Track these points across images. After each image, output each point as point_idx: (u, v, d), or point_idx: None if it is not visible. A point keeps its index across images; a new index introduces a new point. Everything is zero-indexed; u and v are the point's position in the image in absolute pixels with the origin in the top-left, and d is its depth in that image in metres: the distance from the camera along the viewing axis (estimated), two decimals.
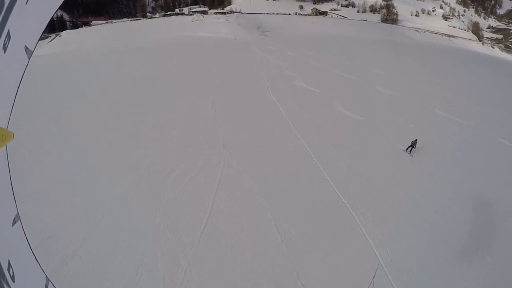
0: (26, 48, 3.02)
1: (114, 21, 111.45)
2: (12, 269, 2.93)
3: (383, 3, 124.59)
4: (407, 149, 19.25)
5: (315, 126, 22.10)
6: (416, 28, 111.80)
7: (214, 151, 18.28)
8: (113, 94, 28.53)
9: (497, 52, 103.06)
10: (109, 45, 69.29)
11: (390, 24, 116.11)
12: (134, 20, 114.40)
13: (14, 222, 3.15)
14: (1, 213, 2.92)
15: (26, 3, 2.83)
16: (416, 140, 19.16)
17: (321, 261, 10.99)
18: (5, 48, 2.67)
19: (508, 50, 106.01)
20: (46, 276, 3.63)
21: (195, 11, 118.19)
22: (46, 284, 3.62)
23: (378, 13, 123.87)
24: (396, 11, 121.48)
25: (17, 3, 2.71)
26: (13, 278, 2.92)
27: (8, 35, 2.70)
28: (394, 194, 14.94)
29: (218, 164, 16.91)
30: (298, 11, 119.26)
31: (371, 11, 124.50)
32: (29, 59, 3.13)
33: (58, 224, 12.06)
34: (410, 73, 43.93)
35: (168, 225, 12.26)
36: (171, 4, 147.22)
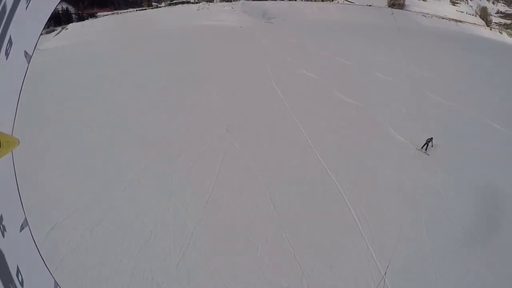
0: (26, 53, 3.10)
1: (120, 11, 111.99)
2: (21, 275, 2.95)
3: None
4: (422, 147, 19.11)
5: (311, 110, 23.88)
6: (423, 13, 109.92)
7: (218, 134, 20.32)
8: (123, 84, 30.49)
9: (505, 38, 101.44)
10: (116, 36, 70.89)
11: (397, 9, 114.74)
12: (140, 10, 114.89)
13: (22, 227, 3.18)
14: (9, 219, 2.92)
15: (26, 8, 2.92)
16: (432, 138, 19.01)
17: (307, 224, 13.03)
18: (7, 54, 2.75)
19: None
20: (55, 281, 3.68)
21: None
22: None
23: None
24: None
25: (17, 10, 2.78)
26: (22, 284, 2.94)
27: (10, 41, 2.77)
28: (378, 170, 16.83)
29: (222, 145, 18.97)
30: None
31: None
32: (29, 64, 3.21)
33: (82, 201, 14.26)
34: (411, 59, 44.70)
35: (178, 196, 14.45)
36: None
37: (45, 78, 30.22)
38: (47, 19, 3.56)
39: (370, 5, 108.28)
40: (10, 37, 2.77)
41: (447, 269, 11.52)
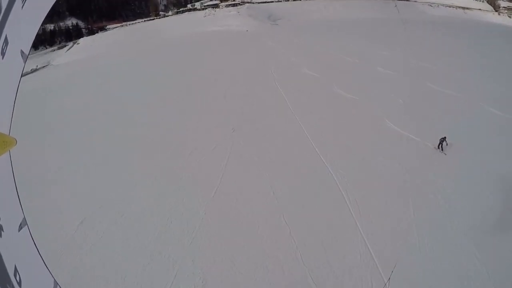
0: (22, 52, 3.13)
1: (128, 23, 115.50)
2: (19, 275, 2.98)
3: None
4: (438, 146, 19.20)
5: (311, 107, 25.84)
6: (429, 2, 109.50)
7: (225, 134, 22.67)
8: (135, 93, 33.10)
9: None
10: (127, 47, 74.19)
11: (403, 1, 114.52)
12: (148, 20, 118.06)
13: (21, 227, 3.21)
14: (7, 218, 2.95)
15: (22, 7, 2.94)
16: (445, 137, 19.09)
17: (303, 207, 15.03)
18: (3, 53, 2.77)
19: None
20: (55, 280, 3.72)
21: (207, 5, 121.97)
22: None
23: None
24: None
25: (13, 8, 2.82)
26: (19, 284, 2.98)
27: (6, 40, 2.80)
28: (369, 158, 18.67)
29: (229, 143, 21.32)
30: None
31: None
32: (25, 63, 3.22)
33: (108, 196, 16.74)
34: (415, 51, 45.52)
35: (190, 188, 16.77)
36: (182, 1, 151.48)
37: (60, 93, 33.60)
38: (43, 18, 3.57)
39: None
40: (6, 36, 2.83)
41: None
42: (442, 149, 19.03)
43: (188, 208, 15.42)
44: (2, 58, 2.81)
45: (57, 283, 3.77)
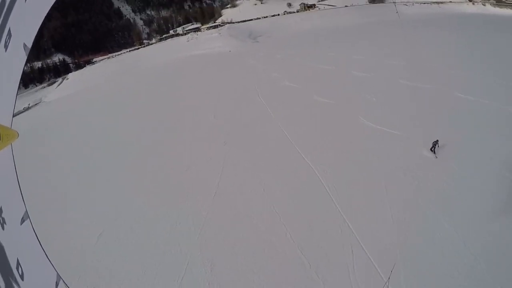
0: (25, 46, 3.20)
1: (114, 54, 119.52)
2: (21, 268, 3.04)
3: None
4: (431, 149, 19.56)
5: (293, 116, 29.01)
6: (404, 2, 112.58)
7: (218, 147, 25.91)
8: (132, 120, 36.58)
9: (489, 9, 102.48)
10: (115, 79, 77.96)
11: (378, 4, 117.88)
12: (133, 49, 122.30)
13: (23, 220, 3.27)
14: (9, 212, 2.98)
15: (25, 1, 2.99)
16: (437, 140, 19.44)
17: (292, 201, 17.84)
18: (6, 46, 2.87)
19: (500, 4, 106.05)
20: (58, 274, 3.78)
21: (189, 30, 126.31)
22: (57, 282, 3.79)
23: None
24: None
25: (17, 2, 2.87)
26: (22, 277, 3.02)
27: (9, 34, 2.88)
28: (346, 152, 21.58)
29: (222, 154, 24.49)
30: (287, 9, 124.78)
31: None
32: (27, 56, 3.31)
33: (125, 207, 19.63)
34: (388, 51, 48.81)
35: (193, 194, 19.76)
36: (164, 27, 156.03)
37: (55, 130, 37.24)
38: (47, 12, 3.55)
39: (352, 5, 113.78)
40: (9, 29, 2.83)
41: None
42: (434, 152, 19.39)
43: (192, 210, 18.42)
44: (5, 51, 2.89)
45: (60, 277, 3.84)
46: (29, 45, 3.33)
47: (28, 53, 3.36)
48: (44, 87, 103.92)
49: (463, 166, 17.48)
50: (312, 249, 14.50)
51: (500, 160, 17.07)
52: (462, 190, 15.88)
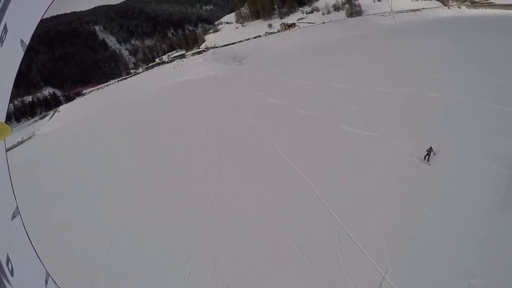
0: (22, 41, 3.20)
1: (103, 85, 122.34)
2: (11, 263, 3.07)
3: None
4: (424, 158, 20.25)
5: (279, 129, 31.84)
6: (381, 13, 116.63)
7: (212, 162, 28.43)
8: (129, 147, 39.31)
9: (465, 11, 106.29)
10: (106, 109, 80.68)
11: (356, 17, 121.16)
12: (121, 79, 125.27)
13: (14, 216, 3.29)
14: (0, 207, 2.97)
15: None
16: (431, 147, 20.12)
17: (282, 201, 20.19)
18: (1, 41, 2.85)
19: (475, 5, 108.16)
20: (47, 271, 3.82)
21: (174, 57, 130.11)
22: (46, 279, 3.83)
23: (342, 10, 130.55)
24: (358, 2, 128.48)
25: None
26: (12, 273, 3.05)
27: (5, 29, 2.88)
28: (329, 154, 24.12)
29: (216, 168, 27.00)
30: (268, 30, 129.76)
31: (335, 10, 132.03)
32: (24, 52, 3.30)
33: (136, 219, 21.82)
34: (367, 62, 51.69)
35: (193, 204, 22.10)
36: (149, 56, 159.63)
37: (50, 162, 40.03)
38: (45, 8, 3.53)
39: (330, 21, 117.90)
40: (5, 24, 2.85)
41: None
42: (428, 160, 20.11)
43: (193, 216, 20.90)
44: (1, 46, 2.91)
45: (49, 274, 3.87)
46: (27, 41, 3.37)
47: (25, 49, 3.40)
48: (36, 120, 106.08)
49: (441, 160, 19.96)
50: (304, 240, 16.71)
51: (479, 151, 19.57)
52: (434, 178, 18.52)
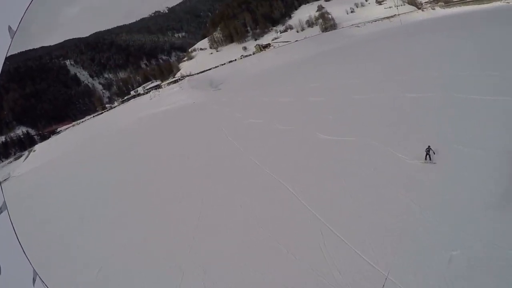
0: (10, 28, 3.20)
1: (78, 122, 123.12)
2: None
3: (317, 13, 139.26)
4: (425, 158, 20.59)
5: (259, 145, 34.33)
6: (355, 24, 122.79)
7: (199, 182, 30.61)
8: (108, 180, 41.66)
9: (439, 12, 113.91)
10: (83, 145, 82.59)
11: (330, 31, 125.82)
12: (96, 115, 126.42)
13: (1, 211, 3.39)
14: None
15: None
16: (429, 146, 20.43)
17: (263, 210, 22.24)
18: None
19: (448, 5, 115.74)
20: (34, 270, 3.90)
21: (150, 88, 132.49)
22: (34, 278, 3.89)
23: (316, 25, 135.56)
24: (331, 16, 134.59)
25: None
26: None
27: None
28: (306, 160, 26.55)
29: (204, 186, 29.30)
30: (243, 52, 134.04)
31: (309, 26, 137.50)
32: (12, 39, 3.33)
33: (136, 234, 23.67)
34: (342, 73, 55.56)
35: (183, 217, 24.38)
36: (124, 89, 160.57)
37: (29, 203, 43.55)
38: None
39: (305, 38, 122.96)
40: None
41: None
42: (430, 159, 20.48)
43: (182, 230, 23.08)
44: None
45: (37, 273, 3.96)
46: (15, 28, 3.35)
47: (13, 36, 3.39)
48: (11, 161, 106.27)
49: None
50: (287, 239, 18.62)
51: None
52: (417, 168, 20.83)
